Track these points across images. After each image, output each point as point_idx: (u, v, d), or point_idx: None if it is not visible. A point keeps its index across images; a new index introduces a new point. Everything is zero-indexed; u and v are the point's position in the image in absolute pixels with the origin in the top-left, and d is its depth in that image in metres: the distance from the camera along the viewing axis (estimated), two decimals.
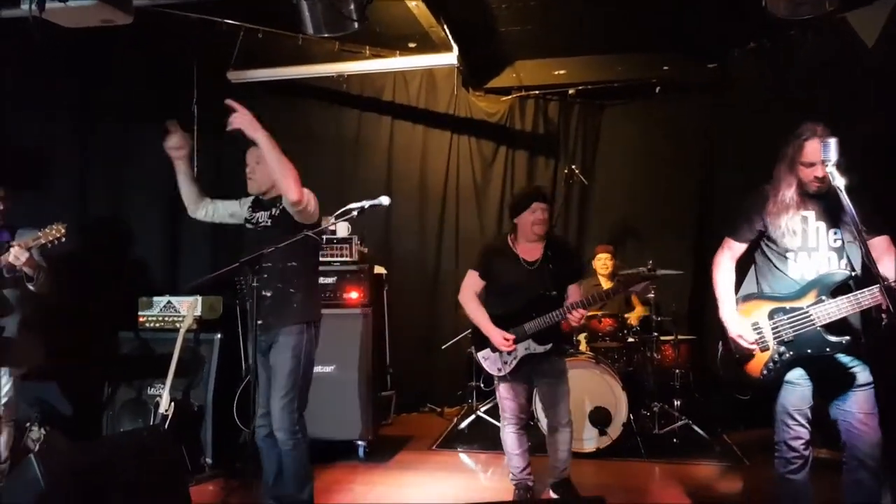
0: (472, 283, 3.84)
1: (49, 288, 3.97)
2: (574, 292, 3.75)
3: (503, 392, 3.81)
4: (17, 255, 3.62)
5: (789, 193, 2.88)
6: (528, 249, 3.73)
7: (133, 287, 5.11)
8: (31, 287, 3.83)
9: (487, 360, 3.78)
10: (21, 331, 4.00)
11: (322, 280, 4.62)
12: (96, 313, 4.98)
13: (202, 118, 5.49)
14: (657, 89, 6.59)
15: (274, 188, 3.54)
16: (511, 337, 3.63)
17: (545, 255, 3.70)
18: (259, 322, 3.21)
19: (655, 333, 5.40)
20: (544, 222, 3.68)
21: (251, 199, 3.70)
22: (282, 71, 5.64)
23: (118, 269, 5.29)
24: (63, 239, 3.70)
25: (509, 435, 3.86)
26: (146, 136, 5.45)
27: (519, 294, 3.68)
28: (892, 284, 2.53)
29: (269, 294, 3.41)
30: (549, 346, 3.64)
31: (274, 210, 3.53)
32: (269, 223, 3.52)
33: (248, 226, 3.62)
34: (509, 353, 3.67)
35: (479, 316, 3.77)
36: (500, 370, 3.73)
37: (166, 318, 4.83)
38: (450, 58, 5.44)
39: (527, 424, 3.93)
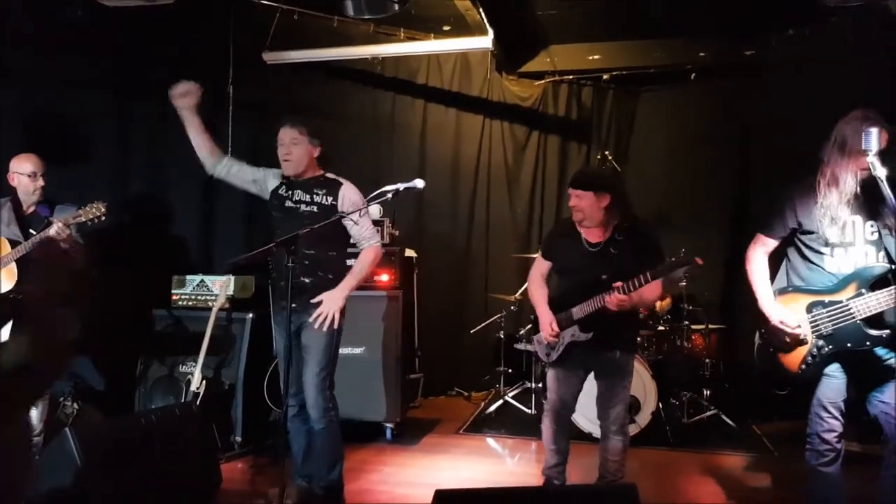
0: (537, 265, 3.65)
1: (85, 264, 4.04)
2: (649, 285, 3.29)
3: (548, 380, 3.58)
4: (59, 230, 3.68)
5: (851, 181, 2.78)
6: (594, 231, 3.40)
7: (168, 265, 5.18)
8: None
9: (540, 345, 3.56)
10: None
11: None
12: (132, 290, 5.06)
13: (237, 98, 5.53)
14: (693, 76, 6.50)
15: (310, 169, 3.56)
16: (556, 328, 3.39)
17: (611, 239, 3.35)
18: (294, 305, 3.24)
19: (686, 322, 5.36)
20: (578, 209, 3.34)
21: (282, 174, 3.62)
22: (317, 52, 5.65)
23: (154, 247, 5.37)
24: (103, 217, 3.75)
25: (546, 427, 3.59)
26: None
27: (575, 277, 3.42)
28: None
29: (308, 280, 3.46)
30: (590, 336, 3.32)
31: (318, 197, 3.51)
32: (315, 210, 3.49)
33: (289, 203, 3.54)
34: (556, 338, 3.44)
35: (536, 297, 3.55)
36: (548, 356, 3.51)
37: (199, 297, 4.89)
38: (484, 41, 5.40)
39: (567, 420, 3.64)
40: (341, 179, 3.63)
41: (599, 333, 3.34)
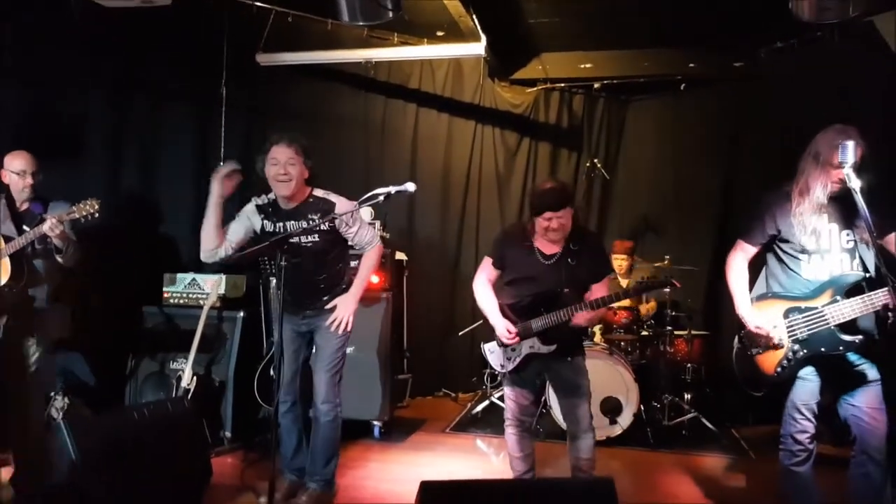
0: (485, 271, 3.59)
1: (77, 261, 4.08)
2: (597, 291, 3.37)
3: (507, 390, 3.55)
4: (52, 226, 3.71)
5: (821, 192, 2.88)
6: (547, 244, 3.39)
7: (160, 263, 5.23)
8: (59, 259, 3.94)
9: (493, 354, 3.52)
10: (50, 302, 4.12)
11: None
12: (123, 287, 5.11)
13: (230, 99, 5.60)
14: (682, 86, 6.61)
15: (301, 192, 3.52)
16: (514, 329, 3.37)
17: (566, 249, 3.34)
18: (308, 311, 3.58)
19: (669, 328, 5.46)
20: (559, 229, 3.28)
21: (260, 205, 3.58)
22: (310, 55, 5.70)
23: (146, 245, 5.41)
24: (96, 215, 3.79)
25: (510, 436, 3.56)
26: (177, 115, 5.60)
27: (531, 288, 3.38)
28: None
29: (323, 287, 3.62)
30: (553, 348, 3.35)
31: (314, 224, 3.46)
32: (316, 239, 3.50)
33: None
34: (513, 349, 3.41)
35: (487, 304, 3.50)
36: (503, 366, 3.47)
37: (190, 295, 4.95)
38: (477, 48, 5.46)
39: (530, 427, 3.60)
40: (331, 197, 3.59)
41: (559, 343, 3.37)
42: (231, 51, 5.52)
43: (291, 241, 3.44)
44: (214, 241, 3.49)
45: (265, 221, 3.57)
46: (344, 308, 3.58)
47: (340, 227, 3.56)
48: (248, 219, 3.59)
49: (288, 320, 3.59)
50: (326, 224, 3.47)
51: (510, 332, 3.37)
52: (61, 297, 4.17)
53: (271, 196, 3.58)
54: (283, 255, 3.16)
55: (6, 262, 3.81)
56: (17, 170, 3.92)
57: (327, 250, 3.58)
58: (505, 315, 3.44)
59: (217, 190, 3.38)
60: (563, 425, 4.73)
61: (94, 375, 5.05)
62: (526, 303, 3.40)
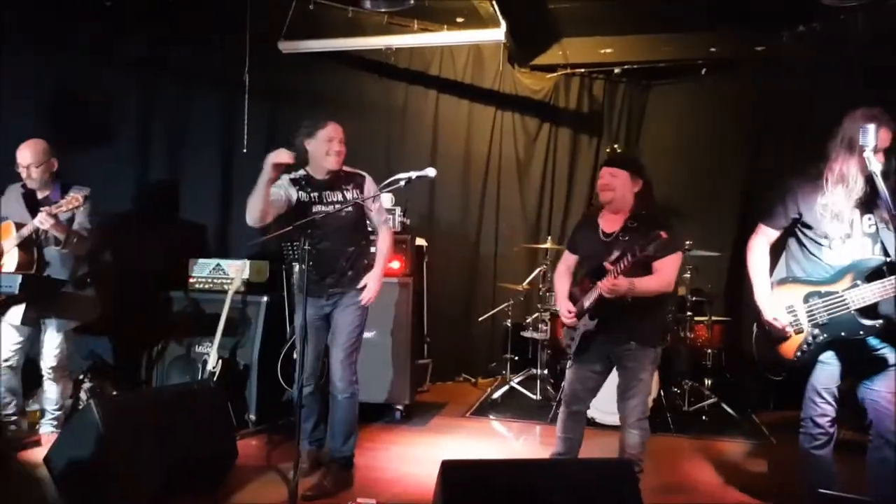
0: (564, 257, 3.67)
1: (87, 250, 4.17)
2: (658, 269, 3.23)
3: (567, 372, 3.55)
4: (42, 220, 3.79)
5: (858, 177, 2.84)
6: (610, 220, 3.37)
7: (185, 248, 5.32)
8: (63, 250, 4.02)
9: (565, 337, 3.55)
10: (75, 287, 4.21)
11: None
12: (149, 272, 5.21)
13: (253, 86, 5.65)
14: (704, 70, 6.56)
15: (343, 168, 3.71)
16: (573, 310, 3.40)
17: (625, 226, 3.28)
18: (334, 289, 3.67)
19: (690, 313, 5.46)
20: (610, 188, 3.29)
21: (294, 178, 3.66)
22: (331, 42, 5.72)
23: (172, 231, 5.51)
24: (81, 207, 3.85)
25: (559, 414, 3.56)
26: (202, 102, 5.67)
27: (591, 265, 3.37)
28: None
29: (346, 264, 3.71)
30: (594, 324, 3.31)
31: (349, 194, 3.69)
32: (350, 209, 3.68)
33: (321, 207, 3.64)
34: (574, 328, 3.43)
35: (557, 289, 3.59)
36: (569, 346, 3.49)
37: (215, 280, 5.02)
38: (497, 34, 5.45)
39: (579, 414, 3.53)
40: (360, 171, 3.77)
41: (608, 322, 3.29)
42: (253, 38, 5.57)
43: (324, 208, 3.63)
44: (258, 218, 3.51)
45: (301, 193, 3.67)
46: (374, 283, 3.72)
47: (367, 201, 3.71)
48: (285, 189, 3.65)
49: (311, 304, 3.66)
50: (359, 194, 3.68)
51: (569, 314, 3.41)
52: (84, 283, 4.26)
53: (301, 172, 3.71)
54: (307, 240, 3.20)
55: (14, 250, 3.91)
56: (23, 163, 4.01)
57: (357, 222, 3.74)
58: (574, 295, 3.47)
59: (268, 171, 3.42)
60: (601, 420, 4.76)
61: (122, 359, 5.17)
62: (584, 280, 3.41)
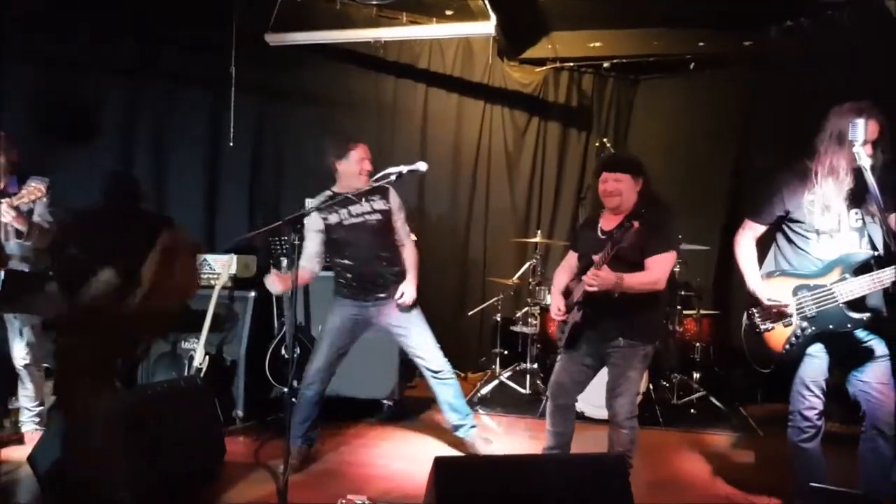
0: (567, 255, 3.68)
1: (49, 242, 4.09)
2: (650, 266, 3.21)
3: (556, 364, 3.56)
4: (3, 212, 3.74)
5: (847, 170, 2.85)
6: (610, 219, 3.36)
7: None
8: (25, 242, 3.95)
9: (559, 329, 3.59)
10: (35, 280, 4.15)
11: None
12: (134, 269, 5.15)
13: (240, 79, 5.61)
14: (692, 65, 6.57)
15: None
16: (562, 308, 3.46)
17: (620, 225, 3.14)
18: (381, 295, 3.92)
19: (679, 307, 5.48)
20: (615, 193, 3.28)
21: (321, 207, 3.82)
22: (319, 35, 5.68)
23: (157, 227, 5.45)
24: (43, 198, 3.79)
25: (547, 407, 3.57)
26: (187, 95, 5.63)
27: (585, 263, 3.35)
28: None
29: (388, 273, 3.93)
30: (580, 314, 3.33)
31: (376, 204, 3.90)
32: (379, 217, 3.90)
33: (352, 220, 3.85)
34: (565, 322, 3.47)
35: (554, 283, 3.64)
36: (559, 339, 3.53)
37: (202, 276, 4.95)
38: (487, 27, 5.42)
39: (566, 407, 3.52)
40: (383, 184, 3.83)
41: (596, 317, 3.30)
42: (240, 31, 5.52)
43: (355, 220, 3.84)
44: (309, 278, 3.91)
45: (331, 216, 3.84)
46: (412, 289, 3.96)
47: (394, 211, 3.96)
48: (315, 233, 3.87)
49: (353, 305, 3.91)
50: (385, 204, 3.92)
51: (559, 311, 3.48)
52: (51, 276, 4.19)
53: (327, 194, 3.92)
54: (297, 235, 3.19)
55: None
56: None
57: (387, 228, 3.95)
58: (569, 291, 3.51)
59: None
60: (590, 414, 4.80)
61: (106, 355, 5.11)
62: (578, 275, 3.43)
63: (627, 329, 3.29)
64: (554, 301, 3.54)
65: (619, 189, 3.28)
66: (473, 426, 4.15)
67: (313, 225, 3.85)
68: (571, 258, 3.64)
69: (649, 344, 3.35)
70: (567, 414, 3.53)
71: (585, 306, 3.33)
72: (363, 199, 3.88)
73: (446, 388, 4.09)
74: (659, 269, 3.21)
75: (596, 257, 3.14)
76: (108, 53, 5.22)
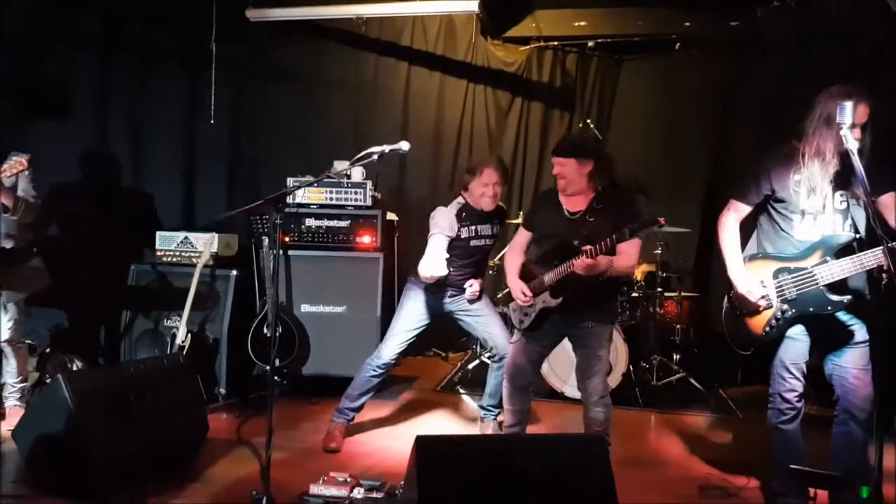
0: (518, 236, 3.70)
1: (34, 218, 4.03)
2: (623, 251, 3.21)
3: (512, 346, 3.62)
4: None
5: (835, 153, 2.86)
6: (574, 200, 3.38)
7: (151, 222, 5.22)
8: (11, 217, 3.89)
9: (514, 312, 3.56)
10: (20, 257, 4.10)
11: (336, 223, 5.05)
12: (114, 246, 5.09)
13: (220, 55, 5.52)
14: (677, 46, 6.55)
15: None
16: (529, 294, 3.41)
17: (589, 207, 3.31)
18: (453, 290, 4.06)
19: (659, 289, 5.51)
20: (562, 177, 3.33)
21: (458, 211, 3.95)
22: (300, 11, 5.60)
23: (137, 204, 5.39)
24: (25, 171, 3.72)
25: (504, 388, 3.62)
26: (165, 72, 5.53)
27: (551, 243, 3.40)
28: (894, 246, 2.58)
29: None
30: (559, 301, 3.32)
31: (494, 229, 4.08)
32: (491, 242, 4.10)
33: (478, 242, 4.01)
34: (529, 306, 3.45)
35: (508, 266, 3.61)
36: (521, 322, 3.51)
37: (183, 253, 4.92)
38: (471, 4, 5.36)
39: (524, 386, 3.57)
40: (502, 205, 4.17)
41: (570, 301, 3.32)
42: (220, 6, 5.42)
43: (478, 243, 4.02)
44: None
45: (463, 229, 3.95)
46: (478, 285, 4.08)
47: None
48: (451, 227, 3.94)
49: (433, 292, 4.05)
50: (500, 229, 4.15)
51: (524, 296, 3.42)
52: (31, 253, 4.13)
53: (461, 201, 4.03)
54: (278, 214, 3.14)
55: None
56: None
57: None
58: (526, 271, 3.51)
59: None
60: (556, 387, 4.90)
61: (87, 333, 5.08)
62: (544, 257, 3.44)
63: (598, 312, 3.38)
64: (515, 285, 3.49)
65: (564, 173, 3.34)
66: (496, 416, 4.19)
67: (451, 221, 3.93)
68: (523, 237, 3.65)
69: (612, 324, 3.54)
70: (525, 392, 3.61)
71: (562, 291, 3.33)
72: (486, 222, 4.02)
73: (499, 374, 4.05)
74: (634, 253, 3.28)
75: (585, 247, 3.11)
76: (81, 29, 5.10)
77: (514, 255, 3.64)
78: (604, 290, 3.36)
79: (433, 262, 3.78)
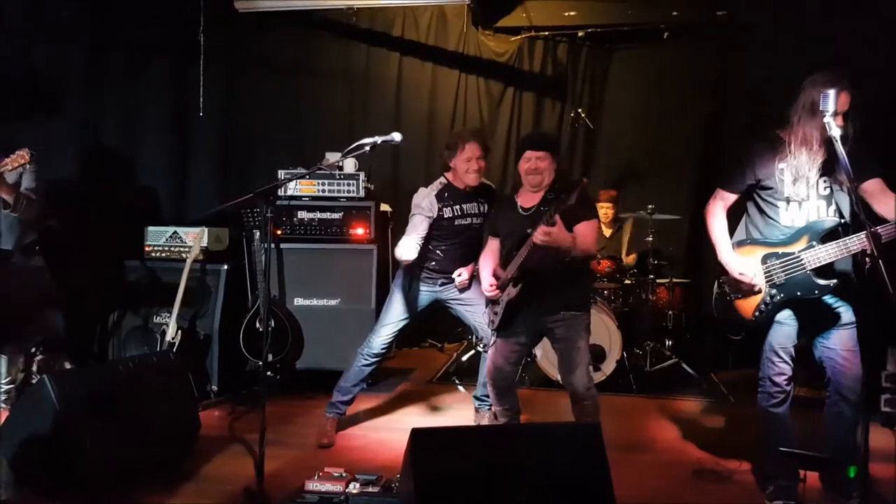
0: (488, 243, 3.67)
1: (36, 215, 3.98)
2: (580, 233, 3.22)
3: (490, 349, 3.58)
4: None
5: (820, 141, 2.88)
6: (529, 197, 3.42)
7: (140, 217, 5.18)
8: (12, 214, 3.85)
9: (487, 314, 3.55)
10: (21, 256, 4.07)
11: (329, 215, 5.01)
12: (104, 242, 5.06)
13: (208, 47, 5.49)
14: (666, 35, 6.55)
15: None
16: (494, 282, 3.39)
17: (543, 200, 3.34)
18: (443, 280, 3.98)
19: (651, 276, 5.53)
20: (538, 171, 3.32)
21: (438, 192, 3.85)
22: (289, 2, 5.57)
23: (126, 199, 5.36)
24: (28, 165, 3.67)
25: (489, 390, 3.63)
26: (154, 65, 5.49)
27: (511, 240, 3.38)
28: (877, 230, 2.61)
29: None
30: (518, 288, 3.28)
31: (481, 207, 3.94)
32: (481, 221, 3.95)
33: (463, 221, 3.89)
34: (496, 303, 3.41)
35: (481, 266, 3.59)
36: (492, 322, 3.46)
37: (172, 249, 4.88)
38: None
39: (507, 386, 3.55)
40: (490, 184, 4.09)
41: (534, 289, 3.28)
42: None
43: (463, 222, 3.88)
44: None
45: (445, 209, 3.85)
46: (468, 274, 3.95)
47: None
48: (430, 208, 3.85)
49: (425, 282, 4.00)
50: (488, 207, 3.94)
51: (490, 287, 3.40)
52: (31, 251, 4.11)
53: (442, 181, 3.93)
54: (269, 208, 3.13)
55: None
56: None
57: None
58: (495, 275, 3.46)
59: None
60: (551, 374, 4.91)
61: (75, 330, 5.04)
62: (507, 256, 3.40)
63: (570, 299, 3.33)
64: (485, 280, 3.48)
65: (541, 167, 3.33)
66: (491, 405, 4.09)
67: (429, 203, 3.84)
68: (493, 244, 3.62)
69: (588, 312, 3.44)
70: (509, 392, 3.58)
71: (522, 280, 3.29)
72: (472, 200, 3.92)
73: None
74: (591, 234, 3.31)
75: (543, 228, 3.04)
76: (70, 23, 5.06)
77: (485, 258, 3.62)
78: (569, 276, 3.28)
79: (404, 245, 3.77)
